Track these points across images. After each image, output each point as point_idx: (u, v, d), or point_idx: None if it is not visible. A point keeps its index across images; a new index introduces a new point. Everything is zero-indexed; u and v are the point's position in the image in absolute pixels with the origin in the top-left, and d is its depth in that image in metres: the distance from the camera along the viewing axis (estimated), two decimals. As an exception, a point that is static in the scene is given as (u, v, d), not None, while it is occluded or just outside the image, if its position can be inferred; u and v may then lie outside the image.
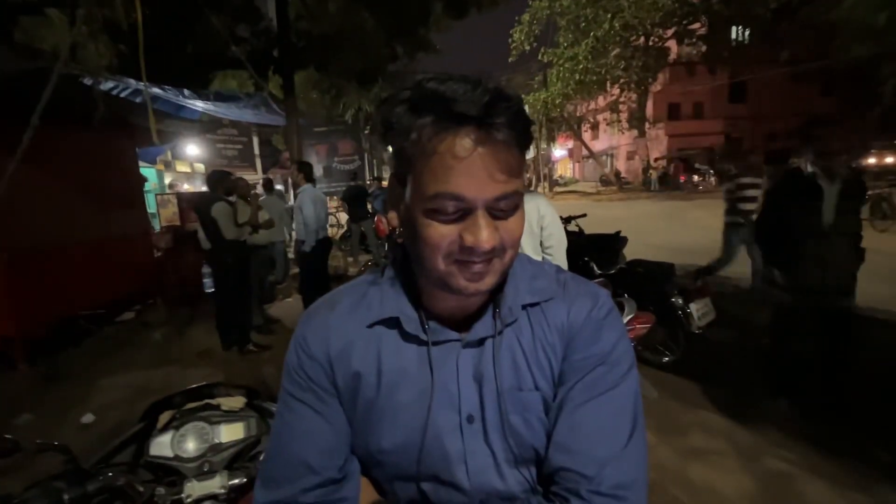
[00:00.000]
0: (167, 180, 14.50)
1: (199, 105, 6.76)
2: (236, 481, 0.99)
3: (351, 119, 14.62)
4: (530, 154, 3.56)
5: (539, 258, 1.97)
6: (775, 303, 2.75)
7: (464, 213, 0.50)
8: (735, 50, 21.38)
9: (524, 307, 0.60)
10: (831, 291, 2.46)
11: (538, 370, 0.58)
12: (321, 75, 10.66)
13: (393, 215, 0.58)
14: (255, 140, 14.43)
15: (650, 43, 20.55)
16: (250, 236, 4.49)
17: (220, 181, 4.16)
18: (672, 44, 21.93)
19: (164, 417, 1.09)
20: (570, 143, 39.23)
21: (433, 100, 0.47)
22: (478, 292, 0.53)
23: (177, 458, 1.02)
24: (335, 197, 12.68)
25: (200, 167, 14.87)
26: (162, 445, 1.03)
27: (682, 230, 9.95)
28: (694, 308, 3.13)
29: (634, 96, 22.96)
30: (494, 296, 0.59)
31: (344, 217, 10.33)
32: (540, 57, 20.80)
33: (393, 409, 0.58)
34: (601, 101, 26.54)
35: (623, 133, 27.49)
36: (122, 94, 5.76)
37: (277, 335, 4.71)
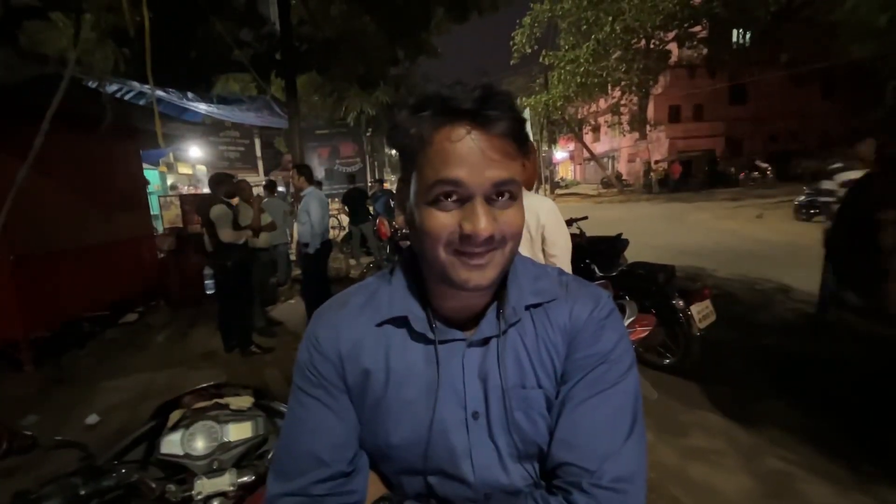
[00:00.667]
0: (169, 182, 14.55)
1: (202, 108, 6.81)
2: (245, 479, 1.01)
3: (353, 122, 14.67)
4: None
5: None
6: (855, 332, 2.37)
7: (463, 200, 0.52)
8: (736, 52, 21.39)
9: (528, 308, 0.62)
10: None
11: (541, 368, 0.61)
12: (323, 79, 10.72)
13: (400, 218, 0.61)
14: (258, 142, 14.48)
15: (651, 46, 20.56)
16: (252, 239, 4.51)
17: (220, 183, 4.18)
18: (673, 47, 21.94)
19: (174, 416, 1.11)
20: (572, 146, 39.26)
21: (431, 99, 0.52)
22: (479, 287, 0.55)
23: (187, 455, 1.04)
24: (336, 199, 12.74)
25: (203, 169, 14.93)
26: (172, 443, 1.05)
27: (683, 232, 9.95)
28: (695, 310, 3.15)
29: (635, 99, 22.98)
30: (498, 296, 0.62)
31: (345, 219, 10.36)
32: (541, 59, 20.81)
33: (400, 405, 0.60)
34: (602, 104, 26.53)
35: (624, 135, 27.45)
36: (126, 97, 5.82)
37: (280, 337, 4.73)
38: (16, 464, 0.92)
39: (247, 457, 1.10)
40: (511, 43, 20.90)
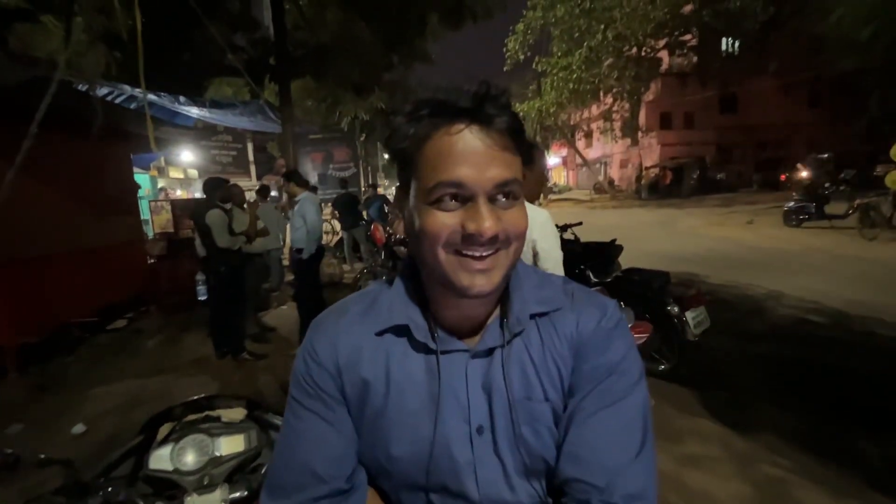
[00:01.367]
0: (160, 186, 14.42)
1: (194, 112, 6.76)
2: (237, 494, 0.98)
3: (347, 127, 14.66)
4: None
5: None
6: None
7: (465, 200, 0.51)
8: (725, 61, 21.76)
9: (532, 317, 0.61)
10: None
11: (548, 380, 0.59)
12: (317, 84, 10.70)
13: (399, 225, 0.60)
14: (250, 147, 14.44)
15: (642, 53, 20.85)
16: (246, 245, 4.47)
17: (215, 188, 4.14)
18: (664, 54, 22.27)
19: (164, 430, 1.08)
20: (565, 152, 39.53)
21: (429, 101, 0.52)
22: (482, 293, 0.53)
23: (176, 471, 1.01)
24: (329, 204, 12.70)
25: (194, 173, 14.83)
26: (161, 458, 1.02)
27: (675, 238, 10.04)
28: (689, 316, 3.16)
29: (627, 105, 23.26)
30: (502, 306, 0.60)
31: (338, 224, 10.33)
32: (534, 66, 21.04)
33: (401, 417, 0.58)
34: (595, 110, 26.82)
35: (616, 142, 27.75)
36: (117, 101, 5.76)
37: (272, 343, 4.68)
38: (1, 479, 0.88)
39: (239, 471, 1.07)
40: (504, 49, 21.08)
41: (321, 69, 8.33)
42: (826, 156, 15.82)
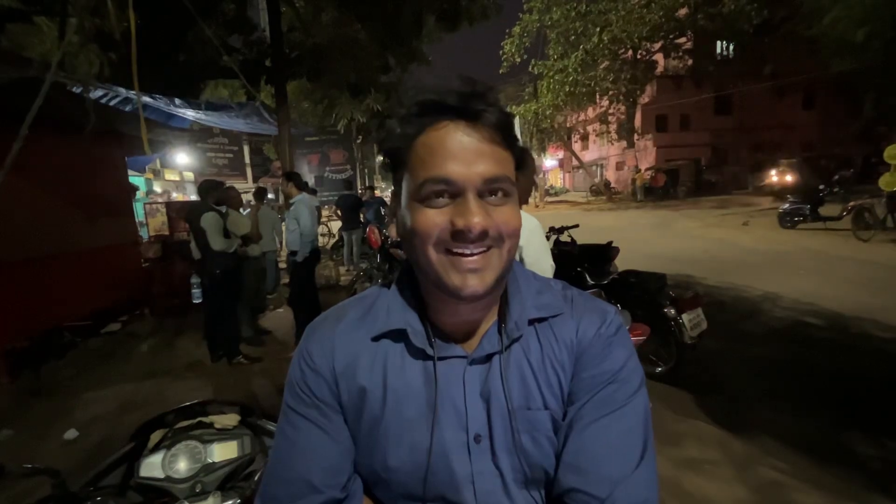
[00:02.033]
0: (157, 189, 14.34)
1: (189, 114, 6.74)
2: (230, 502, 0.97)
3: (343, 129, 14.62)
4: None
5: None
6: None
7: (454, 197, 0.51)
8: (720, 64, 21.91)
9: (531, 323, 0.59)
10: None
11: (547, 388, 0.58)
12: (313, 85, 10.69)
13: (393, 228, 0.59)
14: (246, 149, 14.38)
15: (638, 56, 20.96)
16: (241, 248, 4.44)
17: (209, 190, 4.12)
18: (659, 57, 22.40)
19: (156, 437, 1.06)
20: (561, 154, 39.63)
21: (416, 101, 0.52)
22: (475, 294, 0.52)
23: (168, 479, 0.99)
24: (327, 206, 12.67)
25: (190, 175, 14.75)
26: (152, 466, 1.00)
27: (671, 240, 10.06)
28: (686, 318, 3.16)
29: (623, 108, 23.33)
30: (500, 310, 0.59)
31: (335, 226, 10.31)
32: (530, 69, 21.09)
33: (399, 426, 0.57)
34: (591, 113, 26.89)
35: (612, 144, 27.84)
36: (112, 103, 5.72)
37: (267, 347, 4.65)
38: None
39: (232, 478, 1.05)
40: (501, 52, 21.13)
41: (317, 71, 8.31)
42: (795, 160, 16.01)
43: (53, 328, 4.60)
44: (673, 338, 3.20)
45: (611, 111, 23.33)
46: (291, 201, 4.39)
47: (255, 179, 14.10)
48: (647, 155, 27.62)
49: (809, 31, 12.78)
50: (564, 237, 4.14)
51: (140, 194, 10.59)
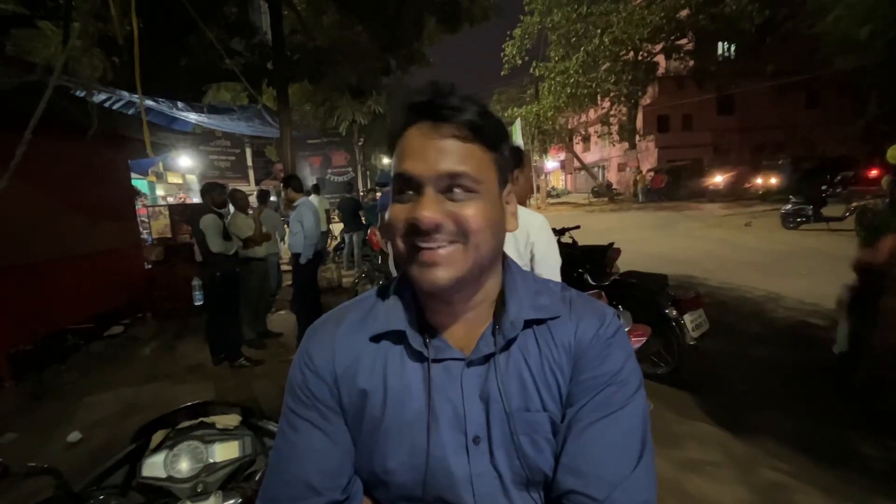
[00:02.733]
0: (159, 192, 14.40)
1: (192, 117, 6.77)
2: (231, 502, 0.97)
3: (345, 131, 14.66)
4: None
5: None
6: None
7: (417, 190, 0.53)
8: (721, 64, 21.86)
9: (530, 325, 0.59)
10: None
11: (546, 390, 0.58)
12: (315, 88, 10.73)
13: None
14: (248, 151, 14.44)
15: (639, 57, 20.92)
16: (248, 250, 4.45)
17: (209, 193, 4.13)
18: (660, 58, 22.36)
19: (158, 437, 1.07)
20: (562, 155, 39.61)
21: (404, 105, 0.56)
22: (435, 286, 0.52)
23: (170, 478, 1.00)
24: (334, 209, 12.68)
25: (192, 178, 14.82)
26: (155, 466, 1.01)
27: (673, 241, 10.03)
28: (688, 319, 3.15)
29: (624, 109, 23.33)
30: (497, 311, 0.59)
31: (337, 228, 10.32)
32: (532, 70, 21.09)
33: (398, 427, 0.57)
34: (592, 114, 26.90)
35: (614, 145, 27.82)
36: (115, 107, 5.76)
37: (269, 349, 4.65)
38: (-14, 491, 0.87)
39: (234, 478, 1.06)
40: (502, 54, 21.16)
41: (319, 73, 8.35)
42: (781, 161, 15.95)
43: (56, 331, 4.62)
44: (674, 339, 3.20)
45: (612, 112, 23.32)
46: (295, 204, 4.40)
47: (258, 182, 14.16)
48: (648, 156, 27.58)
49: (811, 30, 12.73)
50: (566, 238, 4.13)
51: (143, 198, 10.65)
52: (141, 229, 7.10)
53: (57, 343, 4.59)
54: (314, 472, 0.56)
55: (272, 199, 8.43)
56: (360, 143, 16.75)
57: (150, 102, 5.53)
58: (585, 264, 3.78)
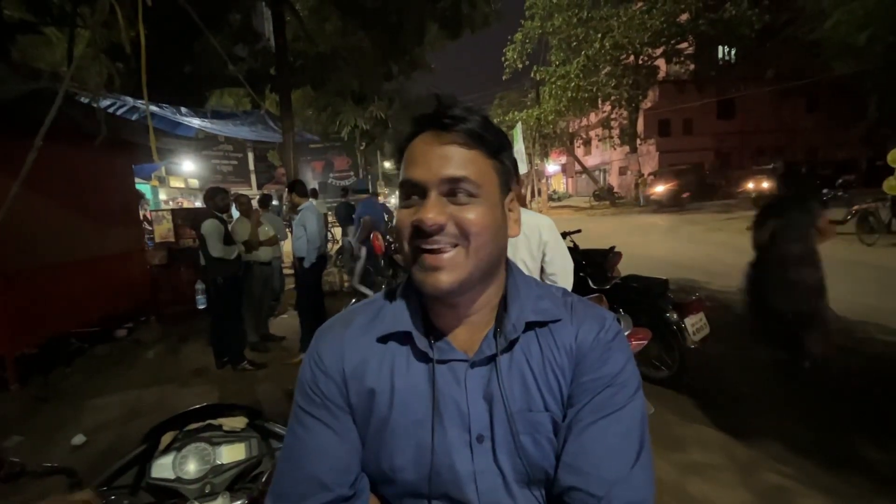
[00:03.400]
0: (161, 196, 14.47)
1: (195, 122, 6.83)
2: (238, 503, 0.99)
3: (347, 136, 14.73)
4: (523, 170, 3.68)
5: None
6: None
7: (422, 196, 0.56)
8: (722, 68, 21.92)
9: (532, 327, 0.61)
10: None
11: (547, 391, 0.60)
12: (317, 93, 10.79)
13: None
14: (251, 156, 14.50)
15: (640, 62, 21.01)
16: (247, 254, 4.48)
17: (211, 197, 4.17)
18: (661, 62, 22.42)
19: (166, 439, 1.09)
20: (564, 159, 39.66)
21: (411, 118, 0.60)
22: (438, 289, 0.55)
23: (178, 479, 1.02)
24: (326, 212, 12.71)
25: (195, 182, 14.90)
26: (163, 467, 1.03)
27: (675, 244, 10.04)
28: (689, 323, 3.16)
29: (625, 113, 23.37)
30: (499, 314, 0.62)
31: (338, 232, 10.36)
32: (532, 75, 21.20)
33: (405, 426, 0.59)
34: (593, 118, 26.96)
35: (615, 149, 27.82)
36: (119, 112, 5.81)
37: (272, 352, 4.67)
38: (1, 491, 0.89)
39: (240, 479, 1.08)
40: (503, 59, 21.26)
41: (321, 79, 8.41)
42: (772, 165, 15.88)
43: (61, 335, 4.64)
44: (676, 342, 3.21)
45: (613, 116, 23.37)
46: (299, 208, 4.44)
47: (260, 186, 14.21)
48: (650, 159, 27.58)
49: (811, 35, 12.80)
50: (567, 242, 4.15)
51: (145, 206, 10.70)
52: (145, 233, 7.14)
53: (62, 346, 4.61)
54: (324, 468, 0.58)
55: (274, 202, 8.46)
56: (361, 148, 16.82)
57: (154, 108, 5.58)
58: (587, 268, 3.79)
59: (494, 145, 0.58)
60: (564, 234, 4.10)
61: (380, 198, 11.23)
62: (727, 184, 22.20)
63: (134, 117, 5.96)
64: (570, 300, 0.66)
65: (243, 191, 10.58)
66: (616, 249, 3.96)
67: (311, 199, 4.66)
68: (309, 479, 0.58)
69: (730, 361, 3.69)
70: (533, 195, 25.80)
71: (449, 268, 0.54)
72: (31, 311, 4.24)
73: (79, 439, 2.97)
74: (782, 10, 16.10)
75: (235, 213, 4.91)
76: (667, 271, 4.06)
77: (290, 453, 0.61)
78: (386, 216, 9.22)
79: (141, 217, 7.27)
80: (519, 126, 5.19)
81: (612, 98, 20.97)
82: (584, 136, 29.67)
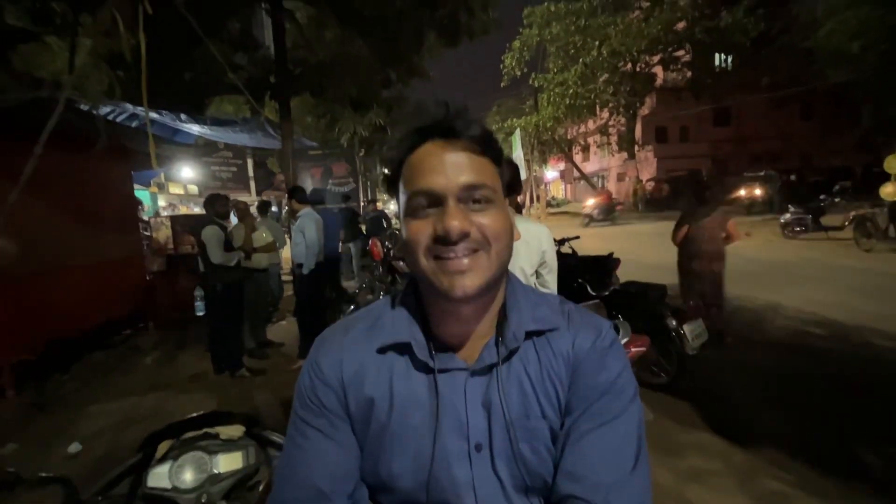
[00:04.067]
0: (160, 202, 14.46)
1: (195, 129, 6.84)
2: (235, 512, 0.98)
3: (346, 143, 14.79)
4: (523, 176, 3.73)
5: (532, 284, 1.99)
6: None
7: (437, 206, 0.55)
8: (718, 76, 22.11)
9: (530, 336, 0.62)
10: None
11: (545, 399, 0.60)
12: (317, 101, 10.84)
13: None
14: (250, 162, 14.52)
15: (637, 69, 21.18)
16: (246, 260, 4.48)
17: (211, 204, 4.17)
18: (658, 70, 22.61)
19: (163, 447, 1.08)
20: (562, 165, 39.80)
21: (406, 129, 0.58)
22: (465, 294, 0.54)
23: (175, 489, 1.01)
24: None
25: (194, 189, 14.91)
26: (160, 476, 1.02)
27: (674, 250, 10.01)
28: (687, 329, 3.16)
29: (623, 120, 23.53)
30: (499, 324, 0.62)
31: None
32: (531, 82, 21.34)
33: (404, 434, 0.59)
34: (591, 125, 27.09)
35: (613, 155, 28.02)
36: (119, 119, 5.82)
37: (270, 359, 4.65)
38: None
39: (238, 489, 1.07)
40: (501, 66, 21.40)
41: (320, 87, 8.45)
42: (763, 173, 16.00)
43: (59, 341, 4.61)
44: (674, 348, 3.21)
45: (611, 123, 23.52)
46: (298, 215, 4.44)
47: (259, 192, 14.22)
48: (647, 166, 27.71)
49: (806, 44, 12.94)
50: (565, 249, 4.16)
51: (144, 208, 10.70)
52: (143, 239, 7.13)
53: (59, 353, 4.58)
54: (323, 476, 0.58)
55: (273, 209, 8.48)
56: (360, 154, 16.87)
57: (153, 115, 5.59)
58: (585, 274, 3.79)
59: (497, 152, 0.59)
60: (563, 240, 4.12)
61: (378, 205, 11.24)
62: (721, 191, 22.26)
63: (133, 124, 5.97)
64: (566, 308, 0.66)
65: (242, 197, 10.59)
66: (614, 255, 3.97)
67: (309, 206, 4.66)
68: (308, 486, 0.58)
69: (729, 367, 3.69)
70: (532, 201, 25.86)
71: (475, 270, 0.55)
72: (29, 317, 4.22)
73: (74, 447, 2.94)
74: (777, 19, 16.28)
75: (235, 220, 4.92)
76: (666, 277, 4.07)
77: (289, 461, 0.61)
78: (385, 223, 9.25)
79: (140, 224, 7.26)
80: (518, 132, 5.22)
81: (610, 105, 21.13)
82: (583, 143, 29.75)
